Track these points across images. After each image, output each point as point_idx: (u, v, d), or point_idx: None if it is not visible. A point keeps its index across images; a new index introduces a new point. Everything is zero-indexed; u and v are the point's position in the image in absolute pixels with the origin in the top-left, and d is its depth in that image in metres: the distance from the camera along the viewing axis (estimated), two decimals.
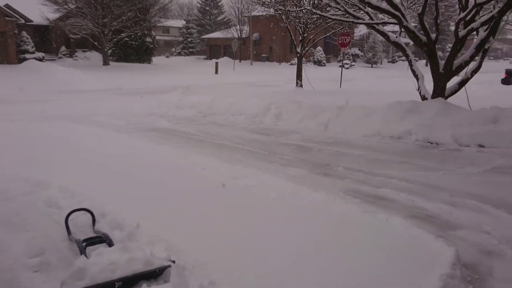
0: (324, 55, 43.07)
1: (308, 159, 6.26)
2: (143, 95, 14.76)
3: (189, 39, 54.64)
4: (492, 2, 7.51)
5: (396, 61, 50.18)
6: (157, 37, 46.20)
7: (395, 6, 7.79)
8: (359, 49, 48.97)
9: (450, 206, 4.19)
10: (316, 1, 12.44)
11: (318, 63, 42.24)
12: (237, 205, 3.95)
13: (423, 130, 7.37)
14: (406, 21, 7.86)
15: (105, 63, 30.39)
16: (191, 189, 4.41)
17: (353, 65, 41.78)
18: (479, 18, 7.65)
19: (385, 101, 9.14)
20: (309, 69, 37.62)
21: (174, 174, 4.98)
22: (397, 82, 22.30)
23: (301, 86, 16.88)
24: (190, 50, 54.90)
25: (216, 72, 27.71)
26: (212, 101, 11.75)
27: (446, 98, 8.27)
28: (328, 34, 17.79)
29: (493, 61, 62.67)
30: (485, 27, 7.82)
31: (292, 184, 4.67)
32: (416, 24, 10.91)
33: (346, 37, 19.40)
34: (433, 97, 8.19)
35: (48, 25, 31.36)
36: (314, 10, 8.80)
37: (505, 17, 28.36)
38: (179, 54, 55.75)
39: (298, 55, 16.58)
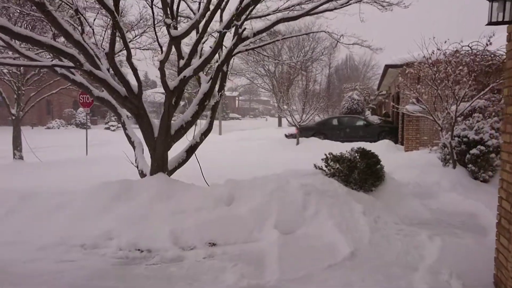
0: (89, 117, 38.78)
1: None
2: None
3: None
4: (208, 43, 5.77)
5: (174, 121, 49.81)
6: None
7: (76, 42, 5.09)
8: None
9: None
10: None
11: (82, 126, 37.86)
12: None
13: (131, 229, 4.73)
14: (99, 64, 5.28)
15: None
16: None
17: (120, 126, 38.78)
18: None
19: (113, 175, 6.42)
20: (69, 133, 32.92)
21: None
22: None
23: (21, 158, 12.61)
24: None
25: None
26: None
27: (170, 172, 5.99)
28: (55, 91, 14.25)
29: (253, 119, 71.00)
30: (208, 78, 6.04)
31: None
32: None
33: (87, 95, 16.31)
34: (152, 172, 5.76)
35: None
36: None
37: (260, 82, 30.29)
38: None
39: (14, 118, 12.39)
